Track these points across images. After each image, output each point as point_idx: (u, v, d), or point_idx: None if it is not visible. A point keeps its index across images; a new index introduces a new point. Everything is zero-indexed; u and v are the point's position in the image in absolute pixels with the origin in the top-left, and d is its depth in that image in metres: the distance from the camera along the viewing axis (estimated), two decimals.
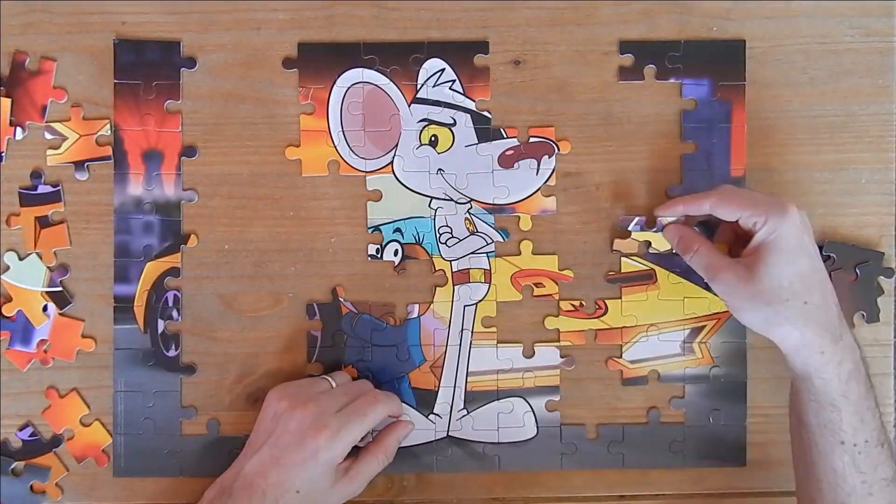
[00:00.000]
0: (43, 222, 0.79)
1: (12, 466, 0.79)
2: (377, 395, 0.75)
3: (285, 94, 0.80)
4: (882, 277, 0.81)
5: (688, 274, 0.80)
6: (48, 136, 0.79)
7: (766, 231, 0.69)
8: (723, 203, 0.72)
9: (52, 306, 0.79)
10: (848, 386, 0.69)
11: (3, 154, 0.79)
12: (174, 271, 0.79)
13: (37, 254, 0.79)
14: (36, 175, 0.79)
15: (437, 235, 0.80)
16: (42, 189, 0.79)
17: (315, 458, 0.70)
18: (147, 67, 0.79)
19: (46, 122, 0.79)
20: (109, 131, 0.79)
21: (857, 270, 0.80)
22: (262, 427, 0.73)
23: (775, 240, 0.69)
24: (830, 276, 0.79)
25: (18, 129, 0.79)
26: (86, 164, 0.79)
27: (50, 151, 0.79)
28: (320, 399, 0.72)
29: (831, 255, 0.80)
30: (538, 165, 0.80)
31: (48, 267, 0.79)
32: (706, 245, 0.74)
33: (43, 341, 0.79)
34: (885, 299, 0.81)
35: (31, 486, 0.79)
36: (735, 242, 0.77)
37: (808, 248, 0.70)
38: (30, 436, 0.79)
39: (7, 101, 0.78)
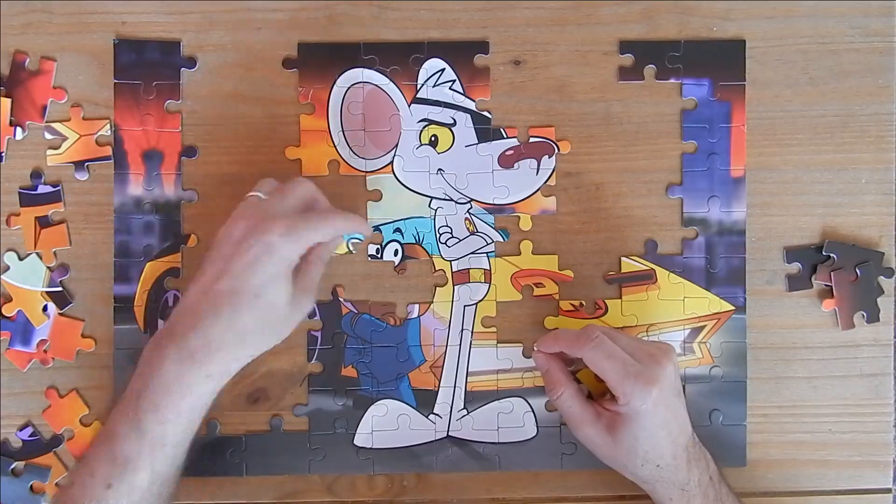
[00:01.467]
0: (43, 222, 0.79)
1: (12, 466, 0.79)
2: (335, 212, 0.71)
3: (285, 94, 0.80)
4: (882, 277, 0.81)
5: (688, 274, 0.80)
6: (48, 136, 0.79)
7: (627, 409, 0.69)
8: (594, 363, 0.70)
9: (52, 306, 0.79)
10: None
11: (3, 154, 0.79)
12: (174, 271, 0.79)
13: (37, 254, 0.79)
14: (36, 175, 0.79)
15: (437, 235, 0.80)
16: (42, 189, 0.79)
17: (269, 254, 0.65)
18: (147, 67, 0.79)
19: (46, 122, 0.79)
20: (109, 131, 0.79)
21: (857, 270, 0.80)
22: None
23: (635, 419, 0.69)
24: (830, 276, 0.79)
25: (18, 129, 0.79)
26: (86, 164, 0.79)
27: (50, 151, 0.79)
28: (261, 204, 0.69)
29: (831, 255, 0.80)
30: (538, 165, 0.80)
31: (48, 267, 0.79)
32: (572, 390, 0.73)
33: (43, 341, 0.79)
34: (885, 299, 0.81)
35: (31, 486, 0.79)
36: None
37: (666, 423, 0.70)
38: (30, 436, 0.79)
39: (7, 101, 0.78)
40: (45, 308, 0.79)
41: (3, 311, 0.78)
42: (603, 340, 0.70)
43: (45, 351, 0.79)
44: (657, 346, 0.72)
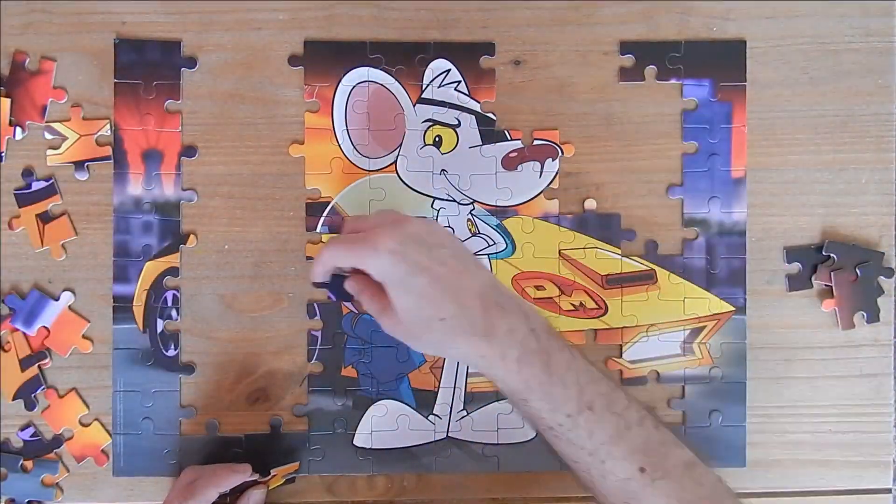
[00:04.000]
0: (44, 218, 0.79)
1: (20, 463, 0.79)
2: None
3: (286, 93, 0.80)
4: (882, 277, 0.81)
5: (688, 274, 0.80)
6: (48, 135, 0.79)
7: (373, 274, 0.64)
8: (325, 257, 0.65)
9: (68, 295, 0.79)
10: (522, 373, 0.63)
11: (3, 154, 0.79)
12: (173, 271, 0.79)
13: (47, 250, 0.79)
14: (27, 173, 0.79)
15: None
16: (36, 186, 0.79)
17: None
18: (147, 67, 0.79)
19: (46, 122, 0.79)
20: (109, 131, 0.79)
21: (857, 270, 0.80)
22: None
23: (383, 279, 0.64)
24: (830, 276, 0.79)
25: (18, 129, 0.79)
26: (86, 164, 0.79)
27: (50, 151, 0.79)
28: None
29: (831, 255, 0.80)
30: (541, 168, 0.80)
31: (59, 261, 0.79)
32: (368, 293, 0.67)
33: (44, 329, 0.79)
34: (885, 299, 0.81)
35: (42, 481, 0.79)
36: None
37: (418, 265, 0.63)
38: (31, 436, 0.79)
39: (7, 101, 0.78)
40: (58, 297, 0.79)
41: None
42: (332, 238, 0.70)
43: (42, 341, 0.79)
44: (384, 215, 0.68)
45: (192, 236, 0.79)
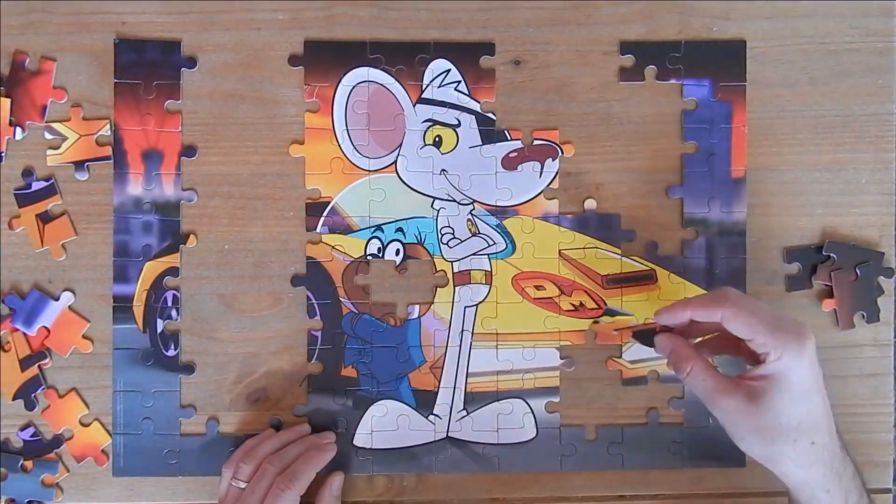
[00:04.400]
0: (44, 218, 0.79)
1: (20, 463, 0.78)
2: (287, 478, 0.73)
3: (286, 93, 0.80)
4: (882, 277, 0.81)
5: (689, 275, 0.80)
6: (48, 135, 0.79)
7: (779, 365, 0.63)
8: (738, 318, 0.64)
9: (68, 295, 0.79)
10: (834, 500, 0.65)
11: (3, 154, 0.79)
12: (173, 271, 0.79)
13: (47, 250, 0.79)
14: (27, 173, 0.79)
15: (439, 236, 0.79)
16: (36, 186, 0.79)
17: None
18: (147, 67, 0.79)
19: (46, 121, 0.79)
20: (109, 131, 0.79)
21: (857, 270, 0.80)
22: None
23: (788, 377, 0.63)
24: (830, 276, 0.80)
25: (18, 129, 0.79)
26: (86, 164, 0.79)
27: (50, 151, 0.79)
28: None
29: (831, 255, 0.80)
30: (541, 168, 0.80)
31: (59, 261, 0.79)
32: (703, 364, 0.67)
33: (44, 329, 0.79)
34: (885, 299, 0.81)
35: (42, 481, 0.79)
36: (727, 345, 0.72)
37: (819, 386, 0.64)
38: (31, 436, 0.79)
39: (7, 101, 0.78)
40: (58, 297, 0.79)
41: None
42: (738, 296, 0.66)
43: (42, 341, 0.79)
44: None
45: (192, 236, 0.79)
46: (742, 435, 0.65)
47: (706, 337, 0.73)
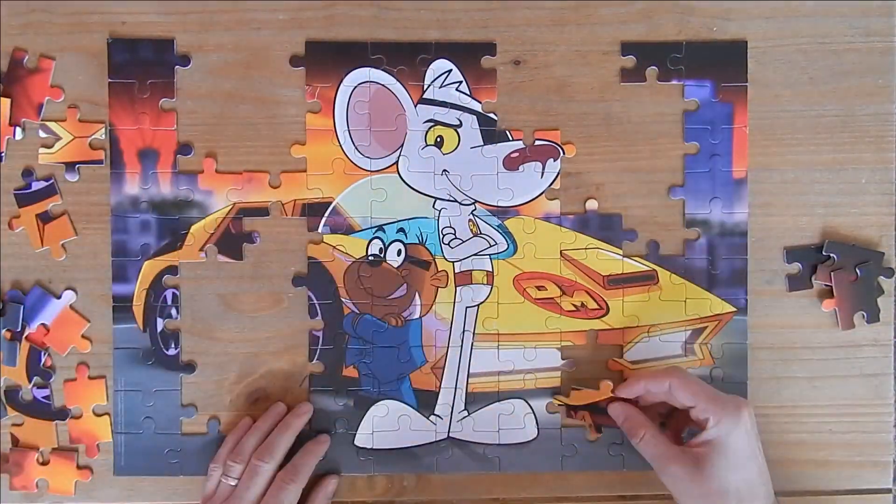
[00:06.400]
0: (44, 218, 0.79)
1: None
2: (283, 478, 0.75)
3: (285, 94, 0.80)
4: (882, 277, 0.81)
5: (690, 275, 0.80)
6: (42, 133, 0.79)
7: (717, 431, 0.70)
8: (682, 387, 0.72)
9: (70, 293, 0.79)
10: None
11: (3, 154, 0.78)
12: (172, 270, 0.79)
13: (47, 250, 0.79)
14: (27, 173, 0.79)
15: (441, 236, 0.79)
16: (36, 186, 0.79)
17: None
18: (141, 66, 0.79)
19: (42, 120, 0.78)
20: (104, 135, 0.79)
21: (857, 270, 0.80)
22: None
23: (726, 443, 0.69)
24: (830, 276, 0.80)
25: (18, 130, 0.78)
26: (76, 165, 0.79)
27: (42, 150, 0.79)
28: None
29: (831, 255, 0.80)
30: (543, 168, 0.80)
31: (59, 261, 0.79)
32: (654, 431, 0.73)
33: (44, 326, 0.79)
34: (885, 299, 0.81)
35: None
36: (676, 418, 0.78)
37: (755, 454, 0.71)
38: (43, 398, 0.79)
39: (7, 102, 0.78)
40: (60, 295, 0.79)
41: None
42: (681, 372, 0.74)
43: (41, 338, 0.79)
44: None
45: (189, 235, 0.79)
46: (687, 501, 0.71)
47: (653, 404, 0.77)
